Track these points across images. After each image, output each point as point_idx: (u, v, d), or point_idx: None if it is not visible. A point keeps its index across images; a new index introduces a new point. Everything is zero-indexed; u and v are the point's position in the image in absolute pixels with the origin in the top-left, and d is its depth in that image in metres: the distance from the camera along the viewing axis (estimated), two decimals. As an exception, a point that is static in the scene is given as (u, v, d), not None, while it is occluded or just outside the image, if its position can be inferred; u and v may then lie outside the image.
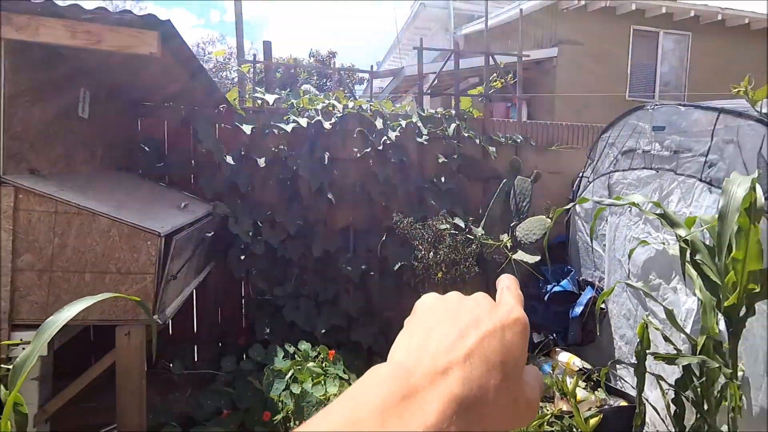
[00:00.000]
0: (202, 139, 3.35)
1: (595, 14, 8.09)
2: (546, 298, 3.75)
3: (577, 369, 3.26)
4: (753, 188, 1.88)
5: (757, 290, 1.94)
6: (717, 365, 2.03)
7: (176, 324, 3.60)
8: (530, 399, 0.36)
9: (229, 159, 3.44)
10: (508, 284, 0.42)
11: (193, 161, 3.55)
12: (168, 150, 3.51)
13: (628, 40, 8.36)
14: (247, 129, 3.44)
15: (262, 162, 3.51)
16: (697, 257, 2.16)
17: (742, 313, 2.02)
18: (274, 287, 3.58)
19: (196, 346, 3.63)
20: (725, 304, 2.01)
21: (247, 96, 3.73)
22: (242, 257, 3.53)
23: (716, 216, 2.10)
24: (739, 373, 2.18)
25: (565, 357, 3.40)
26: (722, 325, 2.13)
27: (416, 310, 0.40)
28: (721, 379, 2.10)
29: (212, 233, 3.17)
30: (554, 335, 3.68)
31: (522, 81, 5.11)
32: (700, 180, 2.76)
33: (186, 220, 2.78)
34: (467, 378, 0.32)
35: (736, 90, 2.53)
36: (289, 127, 3.57)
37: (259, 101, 3.70)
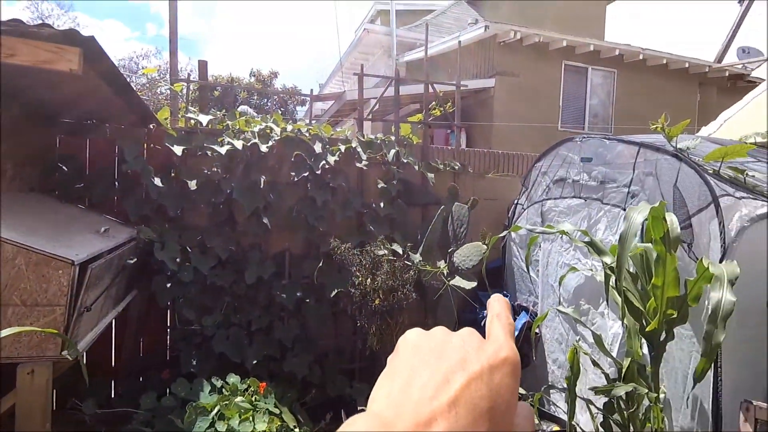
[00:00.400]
0: (128, 159, 3.16)
1: (529, 48, 8.52)
2: (482, 323, 3.74)
3: None
4: (663, 218, 1.98)
5: (675, 315, 2.03)
6: (645, 391, 2.09)
7: (92, 358, 3.31)
8: None
9: (157, 181, 3.26)
10: (498, 312, 0.39)
11: (117, 182, 3.35)
12: (89, 170, 3.29)
13: (560, 74, 8.86)
14: (178, 150, 3.29)
15: (193, 184, 3.35)
16: (622, 283, 2.16)
17: (662, 338, 2.10)
18: (202, 316, 3.40)
19: (113, 382, 3.36)
20: (647, 328, 2.09)
21: (179, 115, 3.57)
22: (168, 285, 3.33)
23: (638, 245, 2.23)
24: (662, 396, 2.25)
25: None
26: (646, 349, 2.21)
27: (399, 348, 0.37)
28: (646, 402, 2.15)
29: (135, 259, 2.98)
30: None
31: (460, 109, 5.24)
32: (624, 209, 2.89)
33: (105, 245, 2.60)
34: (452, 430, 0.30)
35: (654, 126, 2.75)
36: (223, 150, 3.44)
37: (193, 121, 3.55)
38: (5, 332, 1.45)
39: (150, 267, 3.28)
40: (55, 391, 2.87)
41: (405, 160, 4.17)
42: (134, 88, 2.84)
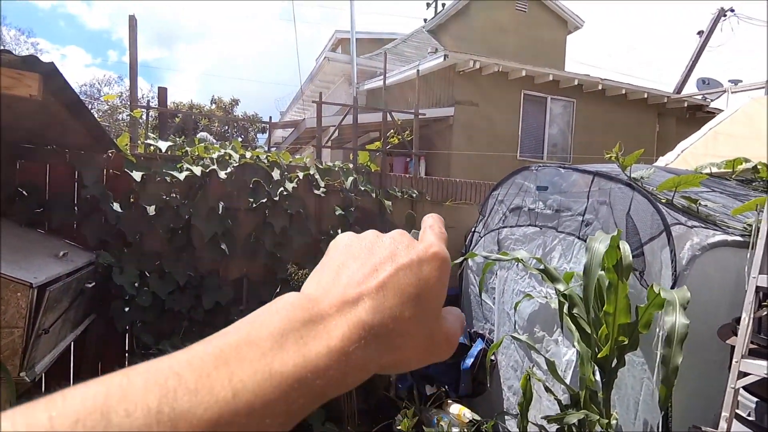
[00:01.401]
0: (88, 184, 3.40)
1: (489, 78, 8.95)
2: None
3: (467, 420, 3.45)
4: (617, 246, 2.11)
5: (626, 342, 2.13)
6: (597, 418, 2.21)
7: (51, 381, 3.47)
8: (449, 335, 0.37)
9: (116, 206, 3.49)
10: (431, 223, 0.42)
11: (76, 207, 3.56)
12: (49, 195, 3.50)
13: (519, 103, 9.27)
14: (137, 176, 3.54)
15: (151, 210, 3.59)
16: (575, 311, 2.37)
17: (614, 364, 2.20)
18: (160, 341, 3.59)
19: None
20: (599, 355, 2.19)
21: (139, 142, 3.83)
22: (126, 309, 3.53)
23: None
24: (613, 422, 2.34)
25: (456, 409, 3.59)
26: (598, 376, 2.31)
27: (330, 248, 0.39)
28: (598, 428, 2.24)
29: (93, 284, 3.18)
30: (446, 387, 3.86)
31: (419, 137, 5.57)
32: (578, 237, 3.04)
33: (64, 269, 2.75)
34: (378, 307, 0.32)
35: (609, 156, 2.88)
36: (182, 176, 3.70)
37: (152, 147, 3.81)
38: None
39: (108, 291, 3.48)
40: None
41: (363, 188, 4.45)
42: (94, 115, 3.06)
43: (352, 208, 4.39)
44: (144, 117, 3.99)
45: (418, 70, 6.68)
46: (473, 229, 4.32)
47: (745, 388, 1.98)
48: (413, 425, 3.23)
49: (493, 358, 3.69)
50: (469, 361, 3.76)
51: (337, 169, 4.46)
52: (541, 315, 3.27)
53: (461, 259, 3.15)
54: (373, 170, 4.70)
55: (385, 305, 0.33)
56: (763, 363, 1.87)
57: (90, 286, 3.14)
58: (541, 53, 11.29)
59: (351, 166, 4.57)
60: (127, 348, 3.74)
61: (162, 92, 4.00)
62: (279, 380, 0.27)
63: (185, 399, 0.24)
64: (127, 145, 3.67)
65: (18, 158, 3.48)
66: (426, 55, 9.60)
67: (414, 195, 4.78)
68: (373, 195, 4.53)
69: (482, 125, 8.84)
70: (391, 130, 5.40)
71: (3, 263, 2.42)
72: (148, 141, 3.81)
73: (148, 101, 4.13)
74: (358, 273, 0.35)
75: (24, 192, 3.37)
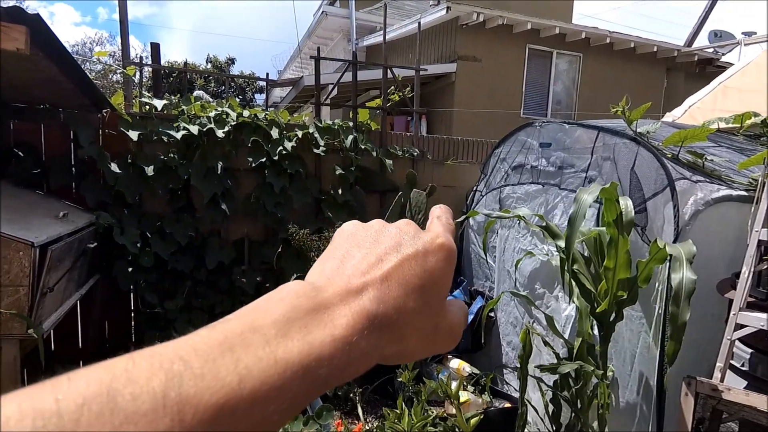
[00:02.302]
0: (84, 144, 3.41)
1: (492, 31, 8.78)
2: None
3: (467, 374, 3.51)
4: (616, 200, 2.11)
5: (625, 297, 2.17)
6: (591, 369, 2.24)
7: (59, 339, 3.59)
8: (452, 326, 0.38)
9: (113, 166, 3.52)
10: (439, 214, 0.42)
11: (73, 168, 3.59)
12: (45, 156, 3.52)
13: (523, 59, 9.14)
14: (133, 135, 3.55)
15: (150, 170, 3.62)
16: (575, 267, 2.35)
17: (612, 318, 2.24)
18: (164, 300, 3.68)
19: (81, 362, 3.63)
20: (597, 310, 2.22)
21: (133, 101, 3.82)
22: (129, 269, 3.60)
23: (591, 229, 2.40)
24: (609, 374, 2.38)
25: (455, 363, 3.65)
26: (596, 330, 2.36)
27: (335, 237, 0.39)
28: (594, 380, 2.31)
29: (95, 244, 3.23)
30: None
31: (420, 95, 5.52)
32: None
33: (64, 230, 2.80)
34: (382, 298, 0.33)
35: (615, 110, 2.84)
36: (179, 135, 3.71)
37: (147, 107, 3.81)
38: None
39: (111, 252, 3.55)
40: (26, 370, 3.12)
41: (363, 147, 4.45)
42: (85, 72, 3.02)
43: (352, 167, 4.40)
44: (137, 75, 3.96)
45: (419, 24, 6.56)
46: (474, 188, 4.34)
47: (740, 339, 2.02)
48: (413, 377, 3.29)
49: (492, 314, 3.75)
50: (469, 318, 3.82)
51: (336, 127, 4.44)
52: (542, 272, 3.31)
53: (462, 218, 3.10)
54: (373, 129, 4.69)
55: (389, 296, 0.33)
56: (761, 315, 1.90)
57: (92, 246, 3.20)
58: (546, 6, 10.98)
59: (351, 124, 4.55)
60: (132, 307, 3.84)
61: (155, 48, 3.95)
62: (284, 367, 0.27)
63: (191, 383, 0.24)
64: (121, 104, 3.67)
65: (11, 118, 3.48)
66: (427, 7, 9.38)
67: (415, 154, 4.77)
68: (374, 154, 4.52)
69: (485, 82, 8.73)
70: (392, 87, 5.34)
71: (3, 223, 2.47)
72: (143, 99, 3.80)
73: (141, 59, 4.09)
74: (362, 262, 0.35)
75: (19, 153, 3.39)
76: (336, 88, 5.59)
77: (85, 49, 18.86)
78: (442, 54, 9.13)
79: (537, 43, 9.20)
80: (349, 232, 0.39)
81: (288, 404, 0.27)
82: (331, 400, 3.49)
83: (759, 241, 1.99)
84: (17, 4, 2.15)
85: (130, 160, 3.66)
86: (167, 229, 3.71)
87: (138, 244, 3.56)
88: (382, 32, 5.43)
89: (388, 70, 5.04)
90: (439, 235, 0.38)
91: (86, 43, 19.87)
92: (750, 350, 2.07)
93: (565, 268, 2.35)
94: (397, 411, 2.84)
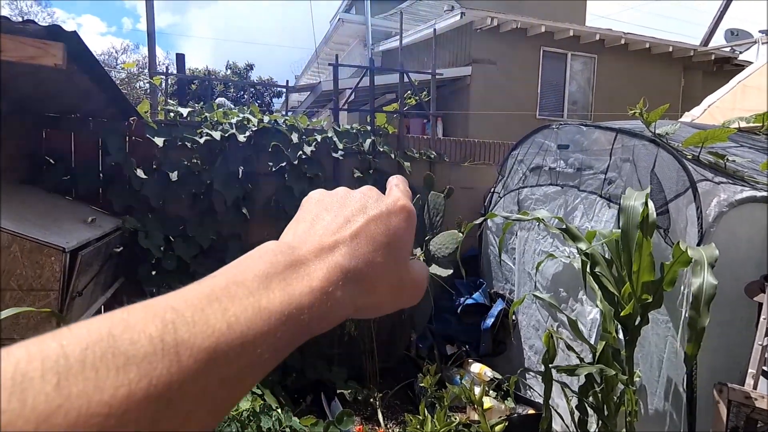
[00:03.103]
0: (111, 151, 3.47)
1: (507, 35, 8.70)
2: (459, 310, 3.97)
3: (488, 379, 3.46)
4: (646, 203, 2.07)
5: (650, 300, 2.12)
6: (614, 372, 2.19)
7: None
8: (416, 280, 0.41)
9: (139, 172, 3.57)
10: (396, 182, 0.45)
11: (101, 174, 3.64)
12: (75, 163, 3.59)
13: (538, 61, 9.03)
14: (159, 142, 3.60)
15: (174, 175, 3.66)
16: (597, 270, 2.33)
17: (637, 322, 2.19)
18: (187, 304, 3.69)
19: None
20: (622, 313, 2.18)
21: (159, 108, 3.87)
22: (153, 273, 3.64)
23: (613, 230, 2.33)
24: (636, 379, 2.34)
25: (476, 368, 3.61)
26: (621, 334, 2.29)
27: (303, 203, 0.42)
28: (621, 385, 2.25)
29: (121, 248, 3.28)
30: (467, 347, 3.89)
31: (436, 98, 5.51)
32: (600, 196, 3.02)
33: (93, 234, 2.83)
34: (353, 254, 0.35)
35: (632, 112, 2.81)
36: (202, 140, 3.75)
37: (172, 114, 3.85)
38: (5, 313, 1.66)
39: (135, 255, 3.58)
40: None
41: (381, 149, 4.44)
42: (114, 82, 3.10)
43: (370, 170, 4.40)
44: (163, 84, 4.02)
45: (434, 29, 6.55)
46: (492, 190, 4.30)
47: None
48: (435, 382, 3.23)
49: (513, 317, 3.70)
50: (489, 321, 3.80)
51: (354, 131, 4.45)
52: (565, 275, 3.25)
53: (480, 219, 3.04)
54: (390, 132, 4.68)
55: (359, 252, 0.36)
56: None
57: (118, 250, 3.24)
58: (560, 8, 10.88)
59: (368, 128, 4.55)
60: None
61: (180, 58, 4.02)
62: (268, 315, 0.29)
63: (184, 329, 0.25)
64: (147, 112, 3.72)
65: (44, 127, 3.55)
66: (442, 13, 9.34)
67: (432, 156, 4.74)
68: (392, 156, 4.51)
69: (500, 84, 8.65)
70: (408, 91, 5.34)
71: (36, 229, 2.51)
72: (168, 107, 3.85)
73: (167, 67, 4.15)
74: (332, 223, 0.37)
75: (51, 160, 3.46)
76: (353, 92, 5.59)
77: (111, 58, 19.34)
78: (458, 57, 9.08)
79: (551, 45, 9.09)
80: (316, 199, 0.42)
81: (274, 348, 0.29)
82: (351, 405, 3.47)
83: None
84: (55, 23, 2.20)
85: (155, 166, 3.71)
86: (190, 233, 3.75)
87: (162, 248, 3.60)
88: (397, 37, 5.43)
89: (405, 75, 5.05)
90: (399, 198, 0.41)
91: (111, 53, 20.38)
92: None
93: (589, 271, 2.32)
94: (419, 417, 2.81)
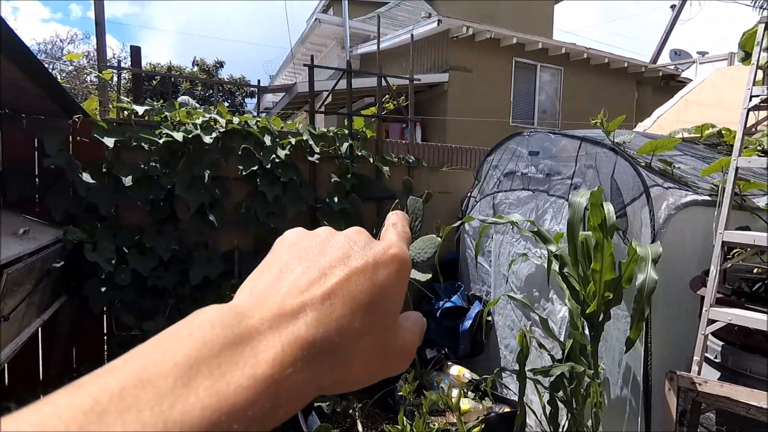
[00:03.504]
0: (51, 153, 2.78)
1: (482, 44, 8.48)
2: (438, 314, 3.76)
3: (467, 381, 3.30)
4: (601, 205, 2.13)
5: (611, 297, 2.16)
6: (582, 369, 2.20)
7: (15, 371, 2.95)
8: (405, 345, 0.31)
9: (86, 176, 2.89)
10: (395, 221, 0.37)
11: (38, 179, 2.96)
12: (4, 165, 2.88)
13: (511, 70, 8.88)
14: (109, 142, 2.94)
15: (128, 180, 3.01)
16: (565, 270, 2.35)
17: (600, 318, 2.22)
18: (143, 321, 3.08)
19: (41, 396, 3.01)
20: (587, 311, 2.21)
21: (110, 106, 3.20)
22: (102, 288, 2.99)
23: (579, 233, 2.30)
24: (601, 372, 2.37)
25: (455, 370, 3.45)
26: (588, 330, 2.32)
27: (275, 246, 0.32)
28: (587, 379, 2.28)
29: (62, 263, 2.64)
30: (446, 350, 3.71)
31: (414, 103, 5.08)
32: (568, 200, 2.90)
33: (25, 248, 2.28)
34: (323, 319, 0.26)
35: (594, 121, 2.85)
36: (161, 141, 3.12)
37: (126, 112, 3.19)
38: None
39: (81, 270, 2.93)
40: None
41: (359, 153, 3.96)
42: (52, 74, 2.47)
43: (348, 174, 3.89)
44: (115, 79, 3.34)
45: (412, 35, 6.08)
46: (469, 194, 4.11)
47: (713, 333, 2.04)
48: (414, 389, 3.05)
49: (489, 318, 3.63)
50: (467, 323, 3.66)
51: (331, 134, 3.93)
52: (538, 276, 3.21)
53: (458, 223, 2.98)
54: (368, 136, 4.18)
55: (331, 317, 0.26)
56: (729, 310, 1.94)
57: (58, 265, 2.61)
58: (530, 22, 10.91)
59: (346, 131, 4.03)
60: (105, 330, 3.22)
61: (135, 51, 3.34)
62: None
63: None
64: (96, 109, 3.05)
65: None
66: (419, 19, 8.94)
67: (411, 161, 4.34)
68: (371, 160, 4.02)
69: (476, 91, 8.45)
70: (386, 95, 4.83)
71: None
72: (121, 104, 3.18)
73: (119, 61, 3.49)
74: (302, 278, 0.28)
75: (-26, 162, 2.76)
76: (330, 95, 5.07)
77: (55, 48, 16.44)
78: (435, 64, 8.80)
79: (522, 56, 8.99)
80: (290, 242, 0.32)
81: None
82: (329, 418, 3.11)
83: (723, 242, 2.04)
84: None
85: (105, 169, 3.04)
86: (147, 243, 3.10)
87: (113, 261, 2.94)
88: (375, 41, 4.96)
89: (383, 79, 4.54)
90: (392, 245, 0.32)
91: (56, 42, 17.02)
92: (721, 343, 2.11)
93: (557, 270, 2.38)
94: (398, 426, 2.67)
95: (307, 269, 0.28)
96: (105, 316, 3.15)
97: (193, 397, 0.20)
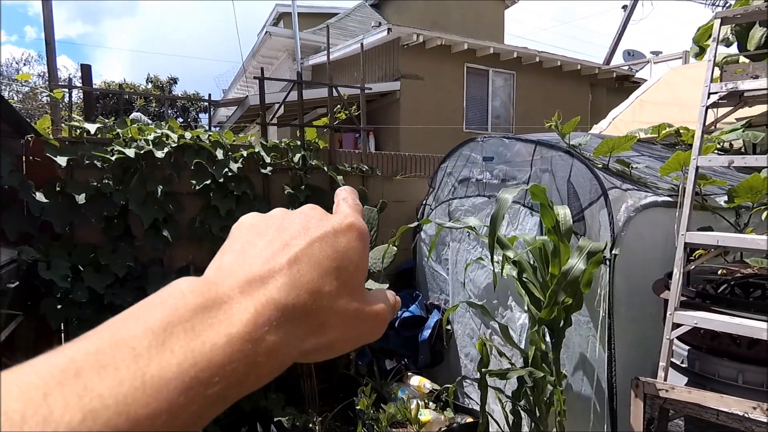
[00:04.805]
0: (3, 174, 2.93)
1: (432, 51, 8.81)
2: (396, 324, 3.82)
3: (428, 391, 3.36)
4: (548, 206, 2.20)
5: (571, 302, 2.19)
6: (542, 375, 2.22)
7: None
8: (378, 311, 0.33)
9: (39, 196, 3.05)
10: (344, 196, 0.39)
11: (-10, 200, 3.09)
12: (-44, 188, 3.01)
13: (463, 77, 9.24)
14: (62, 161, 3.10)
15: (81, 198, 3.17)
16: (524, 276, 2.38)
17: (561, 325, 2.26)
18: (101, 338, 3.22)
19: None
20: (546, 317, 2.22)
21: (63, 125, 3.36)
22: (59, 306, 3.13)
23: (536, 237, 2.43)
24: (565, 380, 2.42)
25: (416, 381, 3.52)
26: (549, 337, 2.34)
27: (233, 231, 0.34)
28: (550, 387, 2.30)
29: (17, 283, 2.78)
30: (406, 360, 3.78)
31: (367, 112, 5.33)
32: (524, 205, 3.06)
33: None
34: (294, 284, 0.27)
35: (549, 124, 2.91)
36: (113, 158, 3.30)
37: (78, 131, 3.36)
38: None
39: (37, 289, 3.07)
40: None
41: (313, 162, 4.18)
42: (1, 95, 2.63)
43: (302, 186, 4.11)
44: (67, 98, 3.50)
45: (362, 44, 6.37)
46: (424, 202, 4.22)
47: (678, 337, 2.04)
48: (372, 402, 3.09)
49: (449, 327, 3.69)
50: (426, 333, 3.70)
51: (283, 146, 4.15)
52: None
53: (414, 224, 3.00)
54: (321, 147, 4.42)
55: (301, 281, 0.28)
56: (694, 313, 1.93)
57: (12, 285, 2.74)
58: (481, 27, 11.32)
59: (298, 142, 4.26)
60: (63, 349, 3.35)
61: (85, 69, 3.52)
62: (157, 388, 0.20)
63: None
64: (48, 128, 3.21)
65: None
66: (369, 29, 9.27)
67: (364, 170, 4.55)
68: (325, 169, 4.25)
69: (428, 99, 8.75)
70: (338, 106, 5.10)
71: None
72: (73, 123, 3.35)
73: (70, 80, 3.64)
74: (266, 250, 0.29)
75: None
76: (282, 107, 5.30)
77: (10, 69, 17.14)
78: (386, 72, 9.08)
79: (474, 62, 9.35)
80: (248, 224, 0.34)
81: None
82: (289, 431, 3.18)
83: (685, 243, 2.04)
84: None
85: (58, 188, 3.20)
86: (102, 261, 3.26)
87: (69, 278, 3.10)
88: (325, 52, 5.20)
89: (334, 89, 4.81)
90: (347, 215, 0.34)
91: (11, 63, 17.82)
92: (687, 347, 2.10)
93: (516, 276, 2.38)
94: None
95: (269, 243, 0.30)
96: (63, 334, 3.28)
97: (168, 355, 0.21)
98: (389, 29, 8.33)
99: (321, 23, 11.43)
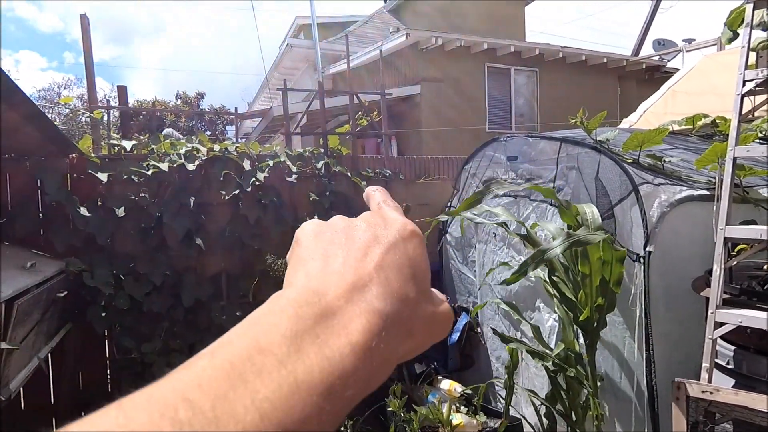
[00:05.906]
0: (50, 191, 3.22)
1: (452, 53, 8.85)
2: None
3: (458, 395, 3.38)
4: (575, 214, 2.13)
5: (603, 303, 2.14)
6: (573, 375, 2.19)
7: (29, 396, 3.33)
8: (446, 311, 0.35)
9: (83, 210, 3.33)
10: (382, 198, 0.39)
11: (41, 215, 3.38)
12: (12, 205, 3.31)
13: (483, 77, 9.24)
14: (102, 177, 3.38)
15: (120, 211, 3.44)
16: (555, 276, 2.33)
17: (595, 326, 2.20)
18: (141, 344, 3.47)
19: (54, 419, 3.39)
20: (580, 318, 2.18)
21: (102, 143, 3.65)
22: (103, 314, 3.39)
23: (561, 228, 2.34)
24: (600, 383, 2.35)
25: (446, 384, 3.54)
26: (582, 339, 2.30)
27: (299, 239, 0.35)
28: (585, 390, 2.25)
29: (66, 293, 3.03)
30: (435, 364, 3.80)
31: (388, 117, 5.48)
32: (551, 204, 3.01)
33: (32, 280, 2.62)
34: (386, 292, 0.29)
35: (574, 120, 2.88)
36: (149, 173, 3.55)
37: (116, 148, 3.63)
38: None
39: (83, 298, 3.33)
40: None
41: (336, 169, 4.34)
42: (50, 119, 2.90)
43: (326, 192, 4.29)
44: (105, 117, 3.79)
45: (381, 51, 6.55)
46: (449, 205, 4.28)
47: (722, 337, 1.96)
48: (404, 404, 3.14)
49: (478, 330, 3.69)
50: (455, 336, 3.73)
51: (307, 154, 4.35)
52: (522, 285, 3.25)
53: (445, 214, 3.03)
54: (344, 153, 4.59)
55: (391, 289, 0.29)
56: (738, 311, 1.85)
57: (62, 295, 3.00)
58: (501, 26, 11.21)
59: (321, 150, 4.45)
60: (107, 355, 3.61)
61: (121, 91, 3.81)
62: (307, 392, 0.22)
63: None
64: (89, 147, 3.49)
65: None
66: (388, 34, 9.44)
67: (387, 174, 4.69)
68: (348, 174, 4.41)
69: (449, 100, 8.78)
70: (359, 112, 5.28)
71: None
72: (112, 141, 3.63)
73: (108, 100, 3.93)
74: (350, 258, 0.31)
75: (-18, 204, 3.19)
76: (305, 116, 5.50)
77: (52, 93, 18.67)
78: (406, 77, 9.17)
79: (495, 61, 9.31)
80: (313, 232, 0.35)
81: None
82: None
83: (725, 238, 1.97)
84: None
85: (99, 203, 3.47)
86: (141, 270, 3.51)
87: (112, 285, 3.36)
88: (345, 60, 5.38)
89: (354, 97, 4.99)
90: (407, 222, 0.35)
91: (53, 88, 19.73)
92: (733, 347, 2.01)
93: (553, 276, 2.33)
94: None
95: (348, 252, 0.31)
96: (107, 341, 3.54)
97: (308, 361, 0.23)
98: (407, 34, 8.45)
99: (340, 32, 11.67)
